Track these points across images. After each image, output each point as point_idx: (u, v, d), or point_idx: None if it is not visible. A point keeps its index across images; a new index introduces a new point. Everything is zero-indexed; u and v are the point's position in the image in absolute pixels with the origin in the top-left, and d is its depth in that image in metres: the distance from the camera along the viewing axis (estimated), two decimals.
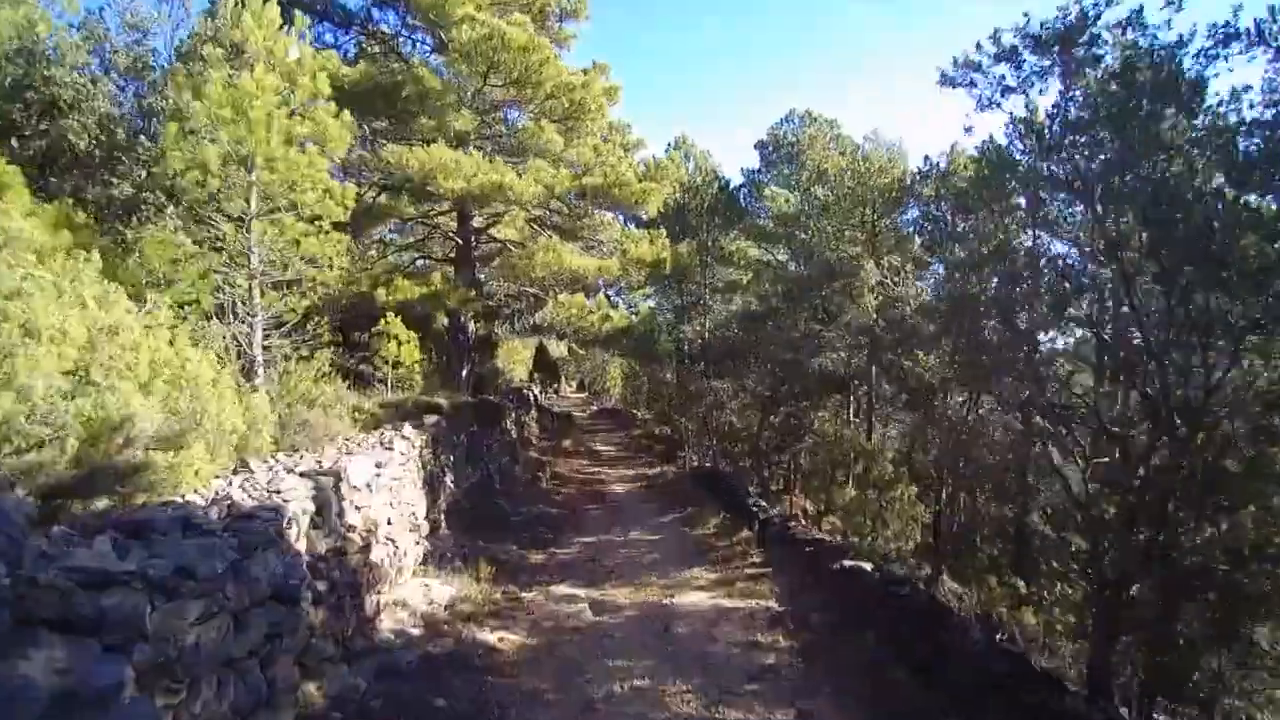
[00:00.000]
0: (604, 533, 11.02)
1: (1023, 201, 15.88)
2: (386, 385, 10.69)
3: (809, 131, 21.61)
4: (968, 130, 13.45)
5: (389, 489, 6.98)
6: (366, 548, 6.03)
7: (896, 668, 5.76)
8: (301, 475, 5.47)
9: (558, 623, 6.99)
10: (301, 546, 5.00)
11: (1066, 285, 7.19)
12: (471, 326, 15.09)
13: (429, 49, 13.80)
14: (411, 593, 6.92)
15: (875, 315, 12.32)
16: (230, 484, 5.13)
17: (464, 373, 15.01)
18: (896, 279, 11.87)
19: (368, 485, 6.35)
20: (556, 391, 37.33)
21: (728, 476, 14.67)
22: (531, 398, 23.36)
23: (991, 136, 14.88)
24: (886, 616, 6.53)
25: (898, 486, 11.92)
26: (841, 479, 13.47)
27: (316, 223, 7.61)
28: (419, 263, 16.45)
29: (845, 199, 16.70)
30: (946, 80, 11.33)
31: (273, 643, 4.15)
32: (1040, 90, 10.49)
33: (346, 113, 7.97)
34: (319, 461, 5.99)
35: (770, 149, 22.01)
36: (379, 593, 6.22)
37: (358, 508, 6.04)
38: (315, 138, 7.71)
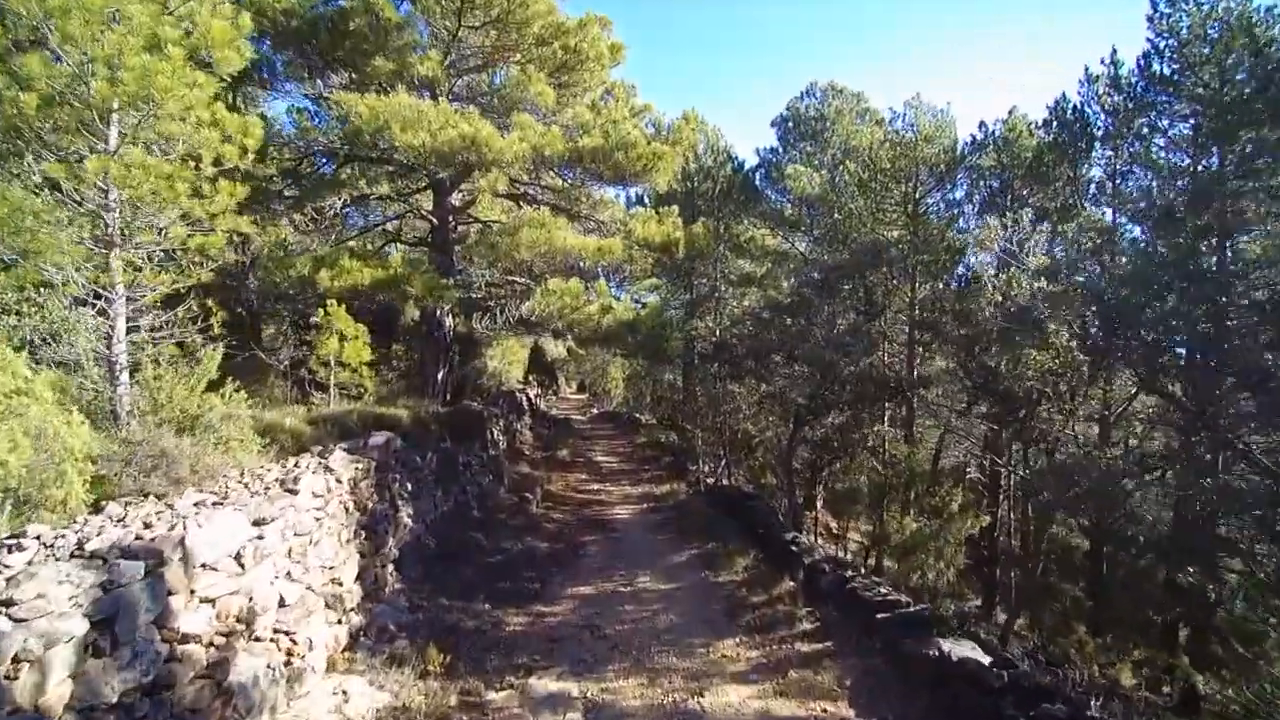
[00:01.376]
0: (605, 579, 8.75)
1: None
2: (328, 393, 8.46)
3: (834, 105, 19.35)
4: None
5: (286, 553, 4.74)
6: (221, 663, 3.78)
7: None
8: (90, 558, 3.22)
9: None
10: (56, 700, 2.76)
11: None
12: (449, 322, 12.83)
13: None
14: (317, 708, 4.66)
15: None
16: None
17: (440, 375, 12.78)
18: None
19: (237, 556, 4.09)
20: (555, 393, 35.08)
21: (751, 498, 12.37)
22: (525, 402, 21.09)
23: (1064, 94, 12.82)
24: None
25: (966, 516, 9.67)
26: (890, 504, 11.16)
27: (196, 167, 5.39)
28: (390, 248, 14.24)
29: (883, 174, 14.50)
30: None
31: None
32: None
33: (245, 16, 5.72)
34: (147, 525, 3.74)
35: (790, 123, 19.72)
36: None
37: (209, 599, 3.79)
38: (198, 48, 5.47)
